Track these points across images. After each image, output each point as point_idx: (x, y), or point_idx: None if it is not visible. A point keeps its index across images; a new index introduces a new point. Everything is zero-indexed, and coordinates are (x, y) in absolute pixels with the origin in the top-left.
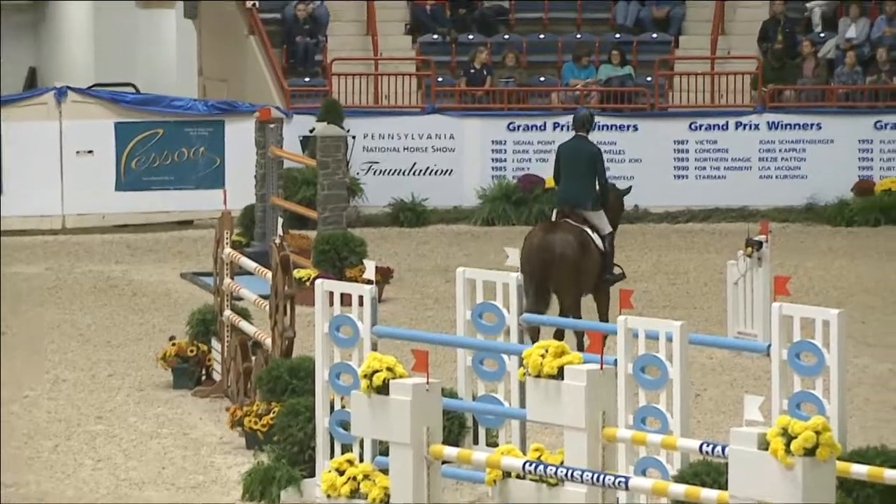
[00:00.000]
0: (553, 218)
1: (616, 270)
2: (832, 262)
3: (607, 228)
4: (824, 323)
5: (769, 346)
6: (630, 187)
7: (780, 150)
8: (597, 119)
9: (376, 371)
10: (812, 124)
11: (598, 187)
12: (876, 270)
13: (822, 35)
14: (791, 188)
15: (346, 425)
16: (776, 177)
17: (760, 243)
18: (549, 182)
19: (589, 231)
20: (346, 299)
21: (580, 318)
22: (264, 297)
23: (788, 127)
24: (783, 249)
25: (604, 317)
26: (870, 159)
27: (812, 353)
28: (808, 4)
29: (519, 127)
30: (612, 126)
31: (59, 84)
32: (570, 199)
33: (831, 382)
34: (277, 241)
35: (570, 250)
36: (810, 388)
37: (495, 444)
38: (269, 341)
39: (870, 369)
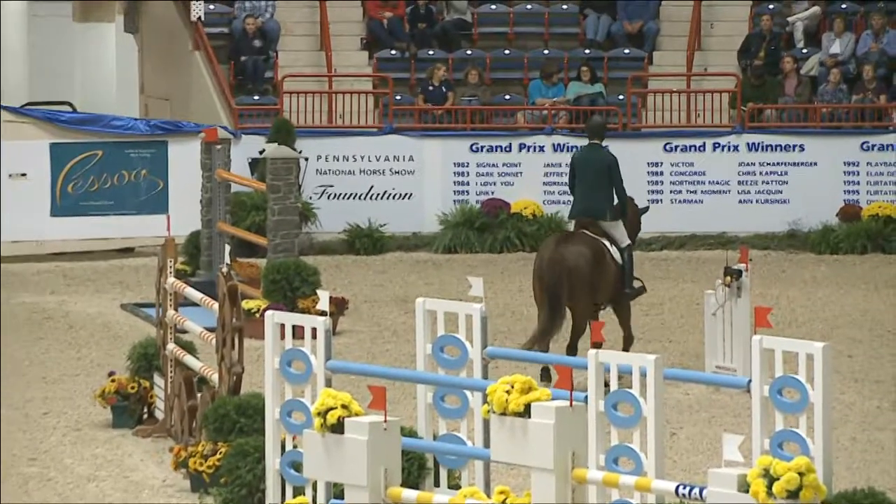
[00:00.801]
0: (571, 229)
1: (636, 284)
2: (816, 291)
3: (626, 240)
4: (808, 357)
5: (749, 381)
6: (647, 207)
7: (760, 173)
8: (565, 140)
9: (330, 409)
10: (794, 145)
11: (615, 197)
12: (863, 301)
13: (804, 51)
14: (772, 213)
15: (297, 466)
16: (756, 201)
17: (740, 272)
18: (515, 206)
19: (606, 243)
20: (298, 332)
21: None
22: (210, 330)
23: (769, 148)
24: (764, 278)
25: (627, 331)
26: (856, 183)
27: (795, 389)
28: (789, 18)
29: (482, 148)
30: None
31: None
32: (587, 210)
33: (816, 420)
34: (225, 269)
35: (584, 263)
36: (793, 426)
37: (457, 487)
38: (215, 377)
39: (857, 406)
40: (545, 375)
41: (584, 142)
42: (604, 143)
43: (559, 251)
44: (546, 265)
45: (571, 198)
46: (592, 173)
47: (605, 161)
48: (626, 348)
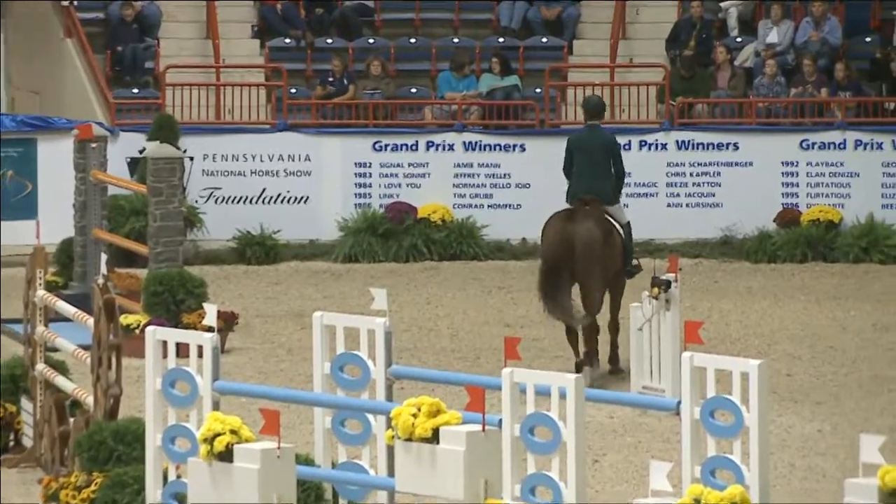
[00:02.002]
0: (577, 208)
1: (634, 262)
2: (752, 304)
3: (626, 219)
4: (743, 375)
5: (679, 402)
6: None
7: (690, 174)
8: (477, 138)
9: (218, 434)
10: (728, 144)
11: (615, 178)
12: (803, 314)
13: (738, 40)
14: (704, 218)
15: (182, 498)
16: (687, 205)
17: (669, 283)
18: (423, 210)
19: (611, 218)
20: (182, 350)
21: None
22: (85, 348)
23: (700, 147)
24: (695, 290)
25: (616, 310)
26: (795, 185)
27: (729, 411)
28: (722, 4)
29: (386, 147)
30: (495, 146)
31: None
32: (589, 191)
33: (751, 445)
34: (101, 281)
35: (596, 239)
36: (727, 451)
37: None
38: (90, 400)
39: (795, 429)
40: (584, 365)
41: (498, 139)
42: (522, 143)
43: (569, 229)
44: (556, 244)
45: (566, 181)
46: (592, 154)
47: (606, 142)
48: (613, 339)
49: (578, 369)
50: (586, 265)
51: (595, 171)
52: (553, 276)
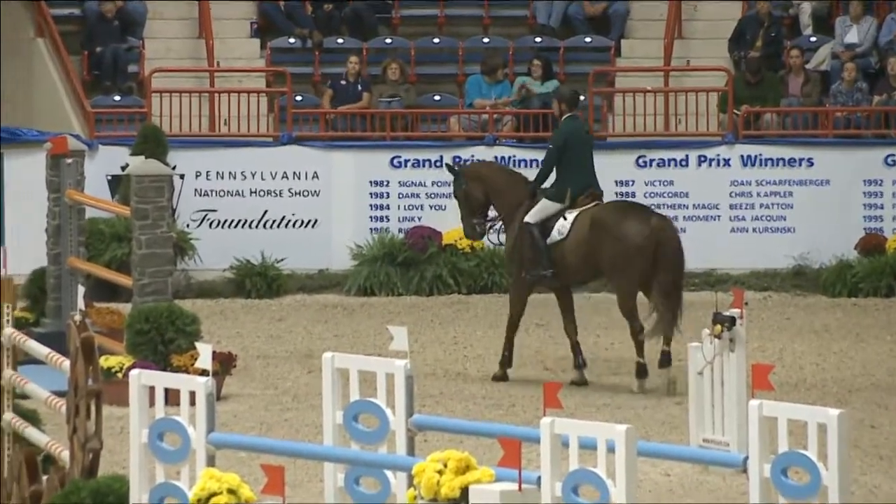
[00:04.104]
0: (580, 205)
1: None
2: (830, 344)
3: None
4: (820, 427)
5: (746, 458)
6: None
7: (757, 195)
8: (510, 152)
9: (213, 494)
10: (801, 159)
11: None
12: (889, 356)
13: (812, 40)
14: (773, 245)
15: None
16: (753, 230)
17: (733, 320)
18: (448, 236)
19: None
20: (172, 397)
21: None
22: (60, 395)
23: (769, 163)
24: (764, 328)
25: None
26: (878, 206)
27: (804, 468)
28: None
29: (406, 163)
30: (531, 162)
31: None
32: (591, 185)
33: None
34: (78, 317)
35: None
36: None
37: None
38: (66, 455)
39: (882, 490)
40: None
41: (535, 154)
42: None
43: (659, 222)
44: (668, 238)
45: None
46: (586, 147)
47: (588, 134)
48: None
49: (643, 373)
50: (679, 264)
51: (589, 164)
52: (672, 277)
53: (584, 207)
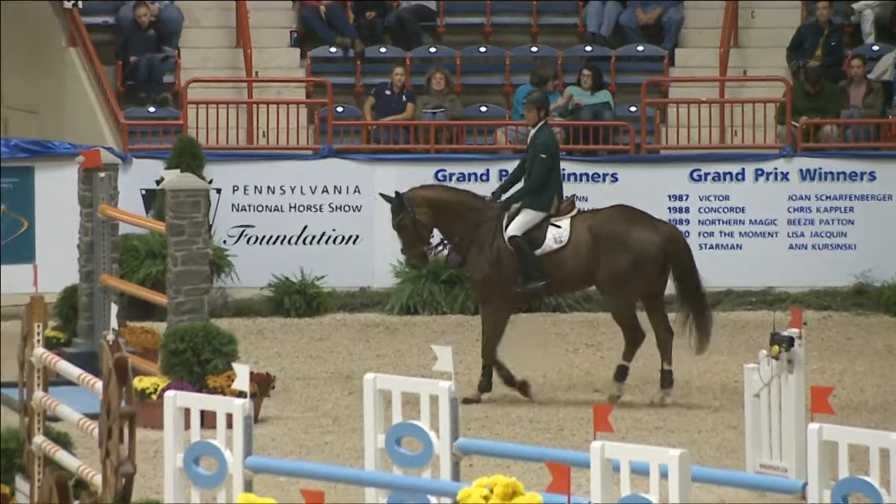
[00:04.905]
0: (564, 212)
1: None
2: (892, 365)
3: None
4: (882, 452)
5: (805, 484)
6: None
7: (817, 210)
8: (561, 166)
9: None
10: (862, 173)
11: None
12: None
13: (875, 48)
14: (834, 263)
15: None
16: (813, 247)
17: (792, 340)
18: None
19: None
20: (208, 419)
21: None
22: (92, 417)
23: (829, 177)
24: (823, 348)
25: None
26: None
27: (866, 494)
28: (855, 6)
29: (451, 176)
30: (581, 175)
31: None
32: (562, 192)
33: None
34: (111, 337)
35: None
36: None
37: None
38: (98, 479)
39: None
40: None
41: (585, 168)
42: (614, 172)
43: (672, 230)
44: (681, 245)
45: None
46: (557, 154)
47: (557, 140)
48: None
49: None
50: (692, 268)
51: (559, 171)
52: (696, 287)
53: (570, 214)
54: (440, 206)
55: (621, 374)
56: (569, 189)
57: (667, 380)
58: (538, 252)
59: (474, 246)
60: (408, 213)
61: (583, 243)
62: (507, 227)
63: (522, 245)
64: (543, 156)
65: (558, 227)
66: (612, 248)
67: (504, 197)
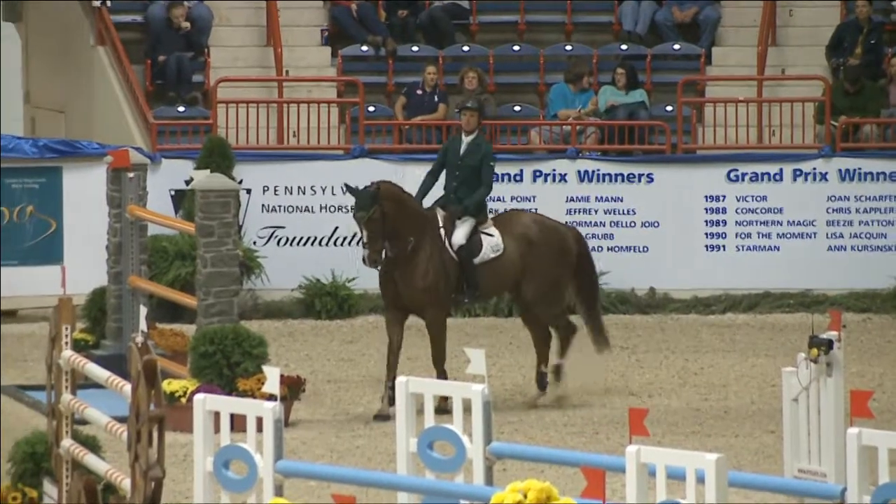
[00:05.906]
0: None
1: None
2: None
3: None
4: None
5: (844, 490)
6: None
7: (856, 211)
8: (594, 166)
9: None
10: None
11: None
12: None
13: None
14: (873, 264)
15: None
16: (852, 248)
17: (831, 343)
18: None
19: None
20: (238, 423)
21: None
22: (120, 420)
23: (869, 177)
24: (863, 352)
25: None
26: None
27: None
28: (895, 3)
29: None
30: (616, 176)
31: None
32: None
33: None
34: (139, 339)
35: None
36: None
37: None
38: (127, 484)
39: None
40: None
41: (620, 168)
42: (650, 172)
43: (576, 232)
44: (585, 248)
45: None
46: None
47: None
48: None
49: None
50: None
51: None
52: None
53: (490, 223)
54: (406, 204)
55: (556, 373)
56: (604, 190)
57: (542, 382)
58: (476, 261)
59: (421, 251)
60: (375, 207)
61: (515, 250)
62: (449, 235)
63: (467, 255)
64: (492, 163)
65: (491, 235)
66: (540, 250)
67: (451, 203)
